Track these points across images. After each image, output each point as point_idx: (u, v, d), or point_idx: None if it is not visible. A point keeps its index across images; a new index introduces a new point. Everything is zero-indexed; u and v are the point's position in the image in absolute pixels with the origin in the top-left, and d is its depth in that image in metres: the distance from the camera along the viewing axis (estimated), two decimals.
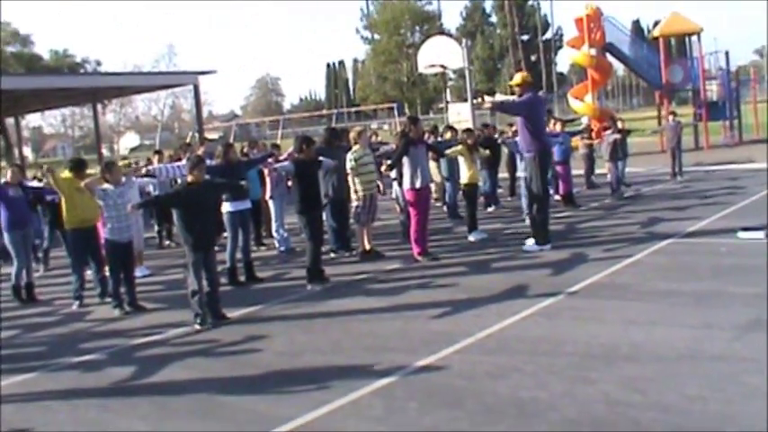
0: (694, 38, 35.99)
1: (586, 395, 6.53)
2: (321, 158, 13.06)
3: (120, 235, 11.61)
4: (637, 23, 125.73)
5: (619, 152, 20.03)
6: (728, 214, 15.30)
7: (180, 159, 16.19)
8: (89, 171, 12.92)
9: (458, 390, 6.94)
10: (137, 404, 7.44)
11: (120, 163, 17.35)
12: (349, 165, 13.80)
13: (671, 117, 23.91)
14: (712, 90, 36.64)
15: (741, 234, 12.92)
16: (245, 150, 17.65)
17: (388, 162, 13.99)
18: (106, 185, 11.73)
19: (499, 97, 16.00)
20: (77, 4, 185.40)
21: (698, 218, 15.03)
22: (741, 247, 12.26)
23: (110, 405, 7.50)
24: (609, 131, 20.57)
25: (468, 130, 16.60)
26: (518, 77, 14.21)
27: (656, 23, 55.66)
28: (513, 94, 14.25)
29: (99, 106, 49.53)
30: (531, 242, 13.56)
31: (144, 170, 15.05)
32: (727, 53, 35.36)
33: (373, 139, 20.82)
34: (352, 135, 14.45)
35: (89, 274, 12.68)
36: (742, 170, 23.53)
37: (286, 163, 13.16)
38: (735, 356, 7.16)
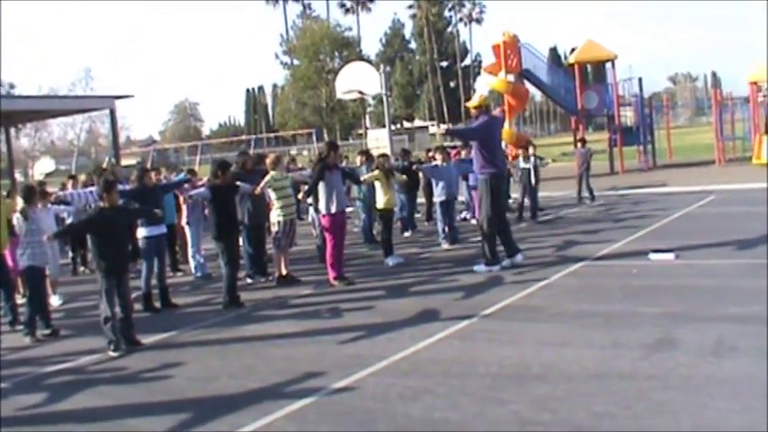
0: (609, 65, 36.67)
1: (498, 415, 6.59)
2: (238, 183, 13.04)
3: (40, 260, 11.51)
4: (554, 50, 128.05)
5: (531, 177, 20.34)
6: (640, 237, 15.59)
7: (94, 184, 15.98)
8: None
9: (370, 412, 6.95)
10: None
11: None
12: (265, 182, 13.69)
13: (579, 144, 24.35)
14: (627, 116, 37.41)
15: (652, 256, 13.19)
16: (166, 175, 17.40)
17: (305, 188, 14.01)
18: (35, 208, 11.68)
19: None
20: None
21: (610, 240, 15.28)
22: (651, 268, 12.51)
23: None
24: (519, 158, 20.90)
25: (383, 155, 16.71)
26: (476, 99, 14.23)
27: (572, 50, 56.50)
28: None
29: (12, 130, 48.66)
30: (480, 265, 13.59)
31: (54, 197, 14.78)
32: (640, 80, 36.04)
33: (291, 165, 20.84)
34: (268, 161, 14.39)
35: None
36: (655, 194, 24.04)
37: (202, 189, 13.08)
38: (642, 374, 7.29)
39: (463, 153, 19.73)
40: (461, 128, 17.05)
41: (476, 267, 13.56)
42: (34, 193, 12.24)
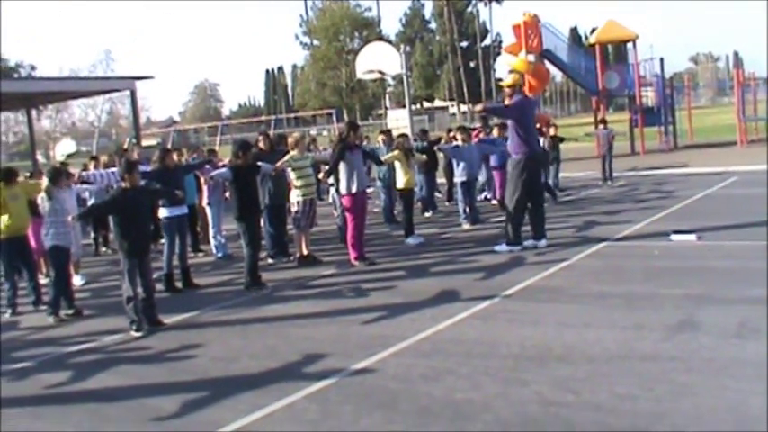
0: (630, 45, 36.47)
1: (520, 396, 6.59)
2: (259, 164, 13.05)
3: (65, 240, 11.56)
4: (574, 30, 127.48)
5: (550, 157, 20.32)
6: (661, 218, 15.53)
7: (115, 165, 16.02)
8: (20, 178, 12.81)
9: (393, 392, 6.97)
10: (70, 411, 7.36)
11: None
12: (284, 161, 13.72)
13: (601, 125, 24.27)
14: (648, 96, 37.18)
15: (673, 237, 13.14)
16: (186, 158, 17.38)
17: (326, 168, 14.01)
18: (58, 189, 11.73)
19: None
20: (11, 6, 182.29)
21: (631, 221, 15.23)
22: (673, 249, 12.47)
23: (41, 413, 7.41)
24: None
25: (403, 135, 16.69)
26: (509, 78, 14.11)
27: (593, 30, 56.19)
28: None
29: (33, 112, 48.83)
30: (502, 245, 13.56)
31: (77, 177, 14.86)
32: (662, 60, 35.88)
33: (312, 146, 20.87)
34: (290, 141, 14.39)
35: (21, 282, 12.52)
36: (676, 175, 23.92)
37: (223, 170, 13.09)
38: (664, 356, 7.28)
39: (482, 134, 19.74)
40: (498, 105, 17.06)
41: (497, 247, 13.54)
42: (60, 174, 12.27)
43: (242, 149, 12.65)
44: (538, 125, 16.91)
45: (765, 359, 6.92)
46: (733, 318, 8.34)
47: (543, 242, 13.52)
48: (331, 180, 15.12)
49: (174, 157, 14.06)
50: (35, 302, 12.26)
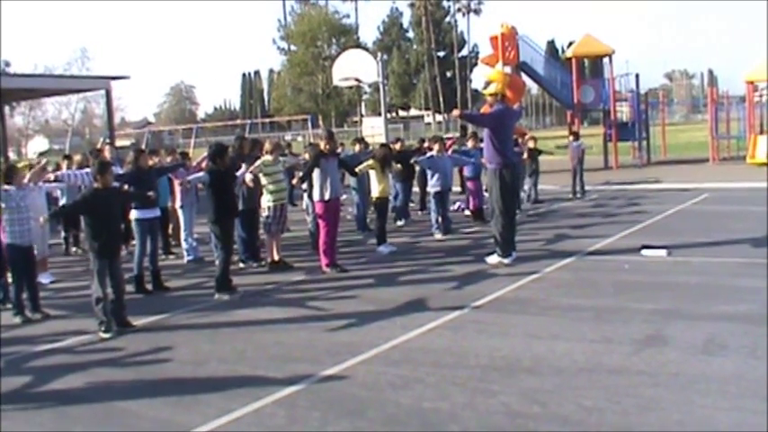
0: (606, 60, 36.66)
1: (487, 406, 6.62)
2: (239, 172, 13.04)
3: (21, 239, 11.40)
4: (552, 44, 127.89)
5: (529, 169, 20.46)
6: (633, 233, 15.63)
7: (89, 166, 15.92)
8: None
9: (361, 400, 6.97)
10: (35, 412, 7.33)
11: (21, 164, 17.08)
12: (256, 167, 13.68)
13: (572, 138, 24.32)
14: (623, 111, 37.42)
15: (644, 252, 13.22)
16: (162, 160, 17.20)
17: (300, 175, 14.01)
18: (7, 187, 11.53)
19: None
20: None
21: (603, 236, 15.32)
22: (643, 264, 12.54)
23: (5, 413, 7.32)
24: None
25: (383, 145, 16.73)
26: (492, 87, 14.04)
27: (570, 44, 56.51)
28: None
29: (6, 108, 48.45)
30: (493, 256, 13.44)
31: (52, 176, 14.75)
32: (637, 75, 36.12)
33: (288, 151, 20.84)
34: (267, 146, 14.33)
35: None
36: (648, 190, 24.09)
37: (201, 174, 13.01)
38: (632, 370, 7.33)
39: (455, 144, 19.83)
40: (476, 113, 17.12)
41: (488, 258, 13.49)
42: (14, 172, 12.11)
43: (219, 153, 12.58)
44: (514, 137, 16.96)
45: (730, 375, 6.99)
46: (701, 333, 8.41)
47: (513, 255, 13.44)
48: (305, 186, 15.10)
49: (151, 159, 13.97)
50: (2, 301, 12.13)
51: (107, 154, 16.95)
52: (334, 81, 28.39)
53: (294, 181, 14.65)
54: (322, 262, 13.47)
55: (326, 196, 13.31)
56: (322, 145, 13.67)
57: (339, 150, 18.78)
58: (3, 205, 11.49)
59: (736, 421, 6.07)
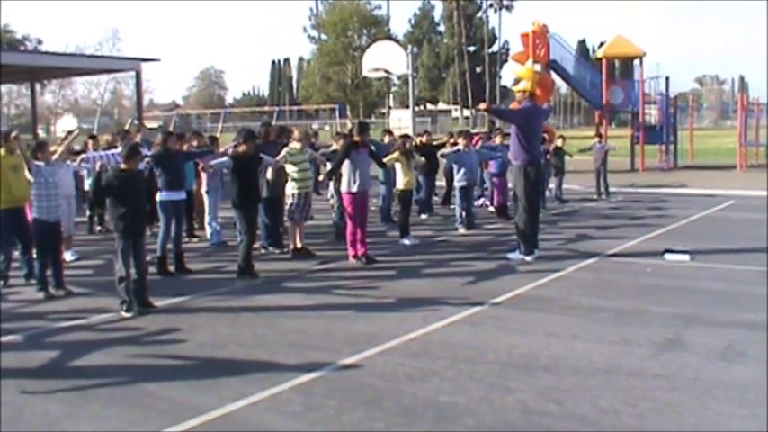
0: (637, 62, 36.49)
1: (503, 402, 6.63)
2: (262, 156, 13.03)
3: (48, 215, 11.49)
4: (582, 43, 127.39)
5: (553, 169, 20.45)
6: (656, 236, 15.59)
7: (116, 146, 15.98)
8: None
9: (377, 390, 7.00)
10: (55, 387, 7.36)
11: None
12: (282, 156, 13.74)
13: (596, 139, 24.22)
14: (651, 114, 37.22)
15: (667, 256, 13.18)
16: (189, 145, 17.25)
17: (329, 167, 14.03)
18: (38, 162, 11.62)
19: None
20: None
21: (626, 238, 15.29)
22: (665, 268, 12.50)
23: (27, 387, 7.39)
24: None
25: (405, 136, 16.71)
26: (522, 84, 14.00)
27: (601, 44, 56.23)
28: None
29: (37, 86, 48.75)
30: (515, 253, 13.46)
31: (79, 159, 14.79)
32: (667, 79, 35.88)
33: (314, 139, 20.82)
34: (296, 134, 14.34)
35: (16, 254, 12.49)
36: (674, 194, 24.00)
37: (224, 158, 13.06)
38: (649, 373, 7.33)
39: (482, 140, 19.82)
40: (503, 107, 17.15)
41: (510, 255, 13.51)
42: (42, 147, 12.19)
43: (246, 138, 12.59)
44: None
45: (749, 383, 6.97)
46: (720, 340, 8.39)
47: (536, 253, 13.45)
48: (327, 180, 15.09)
49: (179, 143, 14.01)
50: (27, 275, 12.22)
51: (138, 135, 17.01)
52: (363, 71, 28.41)
53: (320, 177, 14.67)
54: (348, 253, 13.49)
55: (354, 189, 13.29)
56: (355, 137, 13.68)
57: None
58: (32, 180, 11.59)
59: (753, 429, 6.06)
